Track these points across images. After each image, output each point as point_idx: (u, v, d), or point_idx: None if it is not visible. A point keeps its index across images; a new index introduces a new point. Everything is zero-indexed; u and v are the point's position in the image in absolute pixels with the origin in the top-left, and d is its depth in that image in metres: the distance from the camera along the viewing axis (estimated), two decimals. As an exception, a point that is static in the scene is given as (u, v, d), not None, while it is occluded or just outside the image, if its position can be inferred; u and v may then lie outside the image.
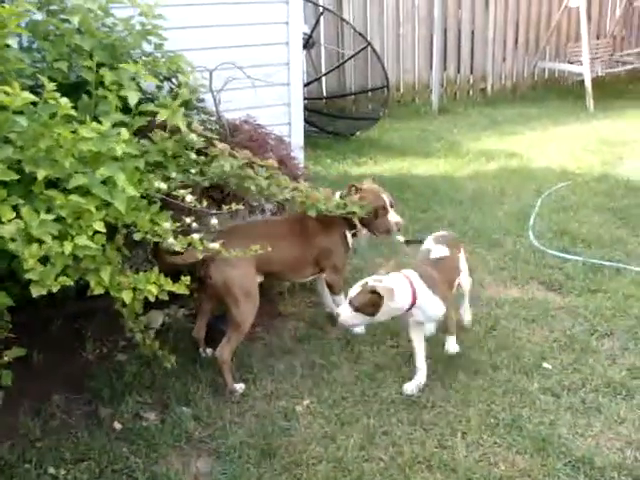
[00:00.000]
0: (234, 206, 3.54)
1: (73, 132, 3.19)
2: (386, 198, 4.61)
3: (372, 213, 4.51)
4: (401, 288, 3.94)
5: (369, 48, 10.25)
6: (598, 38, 12.91)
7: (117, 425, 3.78)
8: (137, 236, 3.32)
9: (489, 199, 7.26)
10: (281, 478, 3.44)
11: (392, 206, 4.64)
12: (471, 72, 12.36)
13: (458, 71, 12.26)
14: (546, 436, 3.68)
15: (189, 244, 3.37)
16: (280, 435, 3.72)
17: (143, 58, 4.26)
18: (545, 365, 4.31)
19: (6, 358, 3.46)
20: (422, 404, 3.96)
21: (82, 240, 3.07)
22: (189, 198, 3.47)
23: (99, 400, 3.94)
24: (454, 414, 3.88)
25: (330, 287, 4.70)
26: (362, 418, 3.86)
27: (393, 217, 4.63)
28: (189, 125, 3.86)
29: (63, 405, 3.92)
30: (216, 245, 3.44)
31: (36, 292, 3.04)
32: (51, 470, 3.48)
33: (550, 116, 11.05)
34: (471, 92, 12.43)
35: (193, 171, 3.73)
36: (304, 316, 4.90)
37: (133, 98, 3.64)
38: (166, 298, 3.37)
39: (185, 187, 3.59)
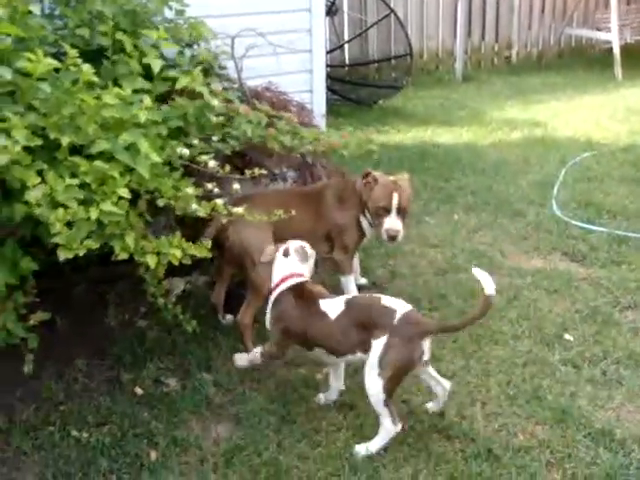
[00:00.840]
0: (257, 171, 3.53)
1: (96, 99, 3.19)
2: (395, 201, 4.24)
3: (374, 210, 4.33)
4: None
5: (392, 15, 10.15)
6: (629, 4, 12.65)
7: (138, 390, 3.83)
8: (161, 202, 3.32)
9: (512, 168, 7.20)
10: (300, 444, 3.47)
11: (400, 212, 4.27)
12: (496, 39, 12.21)
13: (483, 38, 12.10)
14: (566, 407, 3.67)
15: (213, 209, 3.38)
16: (300, 402, 3.75)
17: (165, 24, 4.25)
18: (566, 336, 4.29)
19: (32, 322, 3.49)
20: (442, 373, 3.94)
21: (107, 206, 3.08)
22: (212, 164, 3.47)
23: (121, 365, 3.99)
24: (474, 384, 3.89)
25: (337, 266, 4.61)
26: (381, 386, 3.87)
27: (390, 223, 4.28)
28: (209, 88, 3.84)
29: (86, 370, 3.97)
30: (240, 209, 3.44)
31: (63, 256, 3.05)
32: (74, 433, 3.53)
33: (576, 85, 10.91)
34: (495, 60, 12.28)
35: (215, 138, 3.72)
36: (326, 283, 4.87)
37: (156, 65, 3.63)
38: (189, 262, 3.38)
39: (207, 154, 3.59)
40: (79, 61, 3.30)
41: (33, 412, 3.66)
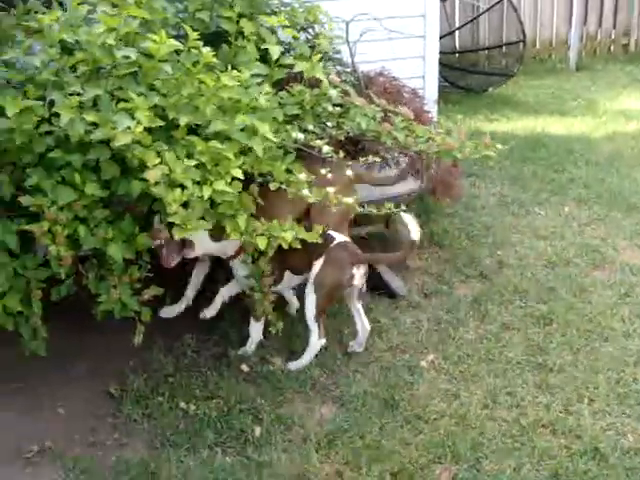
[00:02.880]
0: (370, 157, 3.54)
1: (215, 80, 3.25)
2: None
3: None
4: None
5: (505, 1, 9.94)
6: None
7: (245, 367, 3.91)
8: (272, 186, 3.38)
9: (627, 161, 6.95)
10: (403, 430, 3.48)
11: None
12: (613, 27, 11.75)
13: (600, 25, 11.69)
14: (680, 410, 3.56)
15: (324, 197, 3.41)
16: (403, 388, 3.75)
17: (281, 8, 4.29)
18: (682, 336, 4.15)
19: (146, 296, 3.61)
20: (549, 367, 3.90)
21: (220, 186, 3.16)
22: (326, 149, 3.49)
23: (227, 342, 4.08)
24: (581, 380, 3.80)
25: None
26: (486, 377, 3.84)
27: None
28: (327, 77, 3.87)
29: (194, 345, 4.08)
30: (350, 200, 3.46)
31: (178, 235, 3.15)
32: (182, 404, 3.65)
33: (700, 75, 10.44)
34: (612, 48, 11.84)
35: (329, 124, 3.74)
36: (432, 271, 4.89)
37: (275, 52, 3.68)
38: (299, 246, 3.42)
39: (321, 139, 3.62)
40: (199, 43, 3.38)
41: (144, 382, 3.78)
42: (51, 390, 3.80)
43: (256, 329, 4.01)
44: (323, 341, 3.93)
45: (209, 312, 4.04)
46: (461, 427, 3.48)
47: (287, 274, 3.98)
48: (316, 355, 3.96)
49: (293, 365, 3.90)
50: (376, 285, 4.58)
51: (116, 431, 3.53)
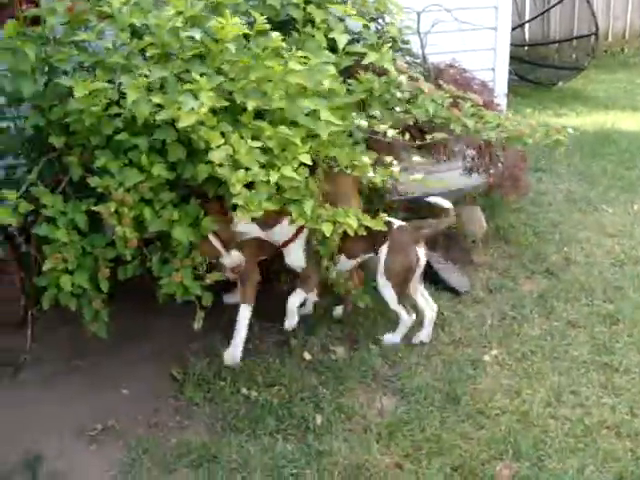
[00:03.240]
0: (437, 135, 3.50)
1: (283, 65, 3.25)
2: None
3: None
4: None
5: (578, -7, 9.76)
6: None
7: (307, 355, 3.92)
8: (337, 170, 3.37)
9: (703, 159, 6.76)
10: (464, 425, 3.43)
11: None
12: (691, 20, 11.42)
13: (676, 18, 11.36)
14: None
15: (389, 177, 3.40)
16: (466, 382, 3.71)
17: (352, -3, 4.27)
18: None
19: (207, 280, 3.64)
20: (614, 368, 3.81)
21: (287, 171, 3.16)
22: (390, 133, 3.47)
23: (290, 330, 4.08)
24: (649, 381, 3.71)
25: None
26: (550, 375, 3.77)
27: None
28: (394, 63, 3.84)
29: (257, 331, 4.09)
30: (419, 176, 3.43)
31: (241, 216, 3.16)
32: (244, 390, 3.67)
33: None
34: (689, 43, 11.51)
35: (398, 109, 3.72)
36: (497, 266, 4.82)
37: (342, 41, 3.66)
38: (364, 233, 3.40)
39: (386, 124, 3.60)
40: (267, 27, 3.38)
41: (206, 366, 3.82)
42: (115, 370, 3.85)
43: (294, 301, 3.92)
44: (413, 316, 4.01)
45: (289, 323, 3.93)
46: (523, 424, 3.42)
47: (342, 258, 3.94)
48: (379, 346, 3.97)
49: (387, 338, 4.01)
50: (438, 279, 4.54)
51: (178, 413, 3.57)
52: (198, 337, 3.85)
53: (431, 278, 4.52)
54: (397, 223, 3.95)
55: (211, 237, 3.70)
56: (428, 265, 4.49)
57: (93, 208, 3.37)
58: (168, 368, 3.82)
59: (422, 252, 3.96)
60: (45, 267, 3.41)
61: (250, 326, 3.98)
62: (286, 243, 3.85)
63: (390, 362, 3.88)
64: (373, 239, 3.81)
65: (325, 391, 3.65)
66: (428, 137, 3.62)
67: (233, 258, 3.78)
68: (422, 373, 3.78)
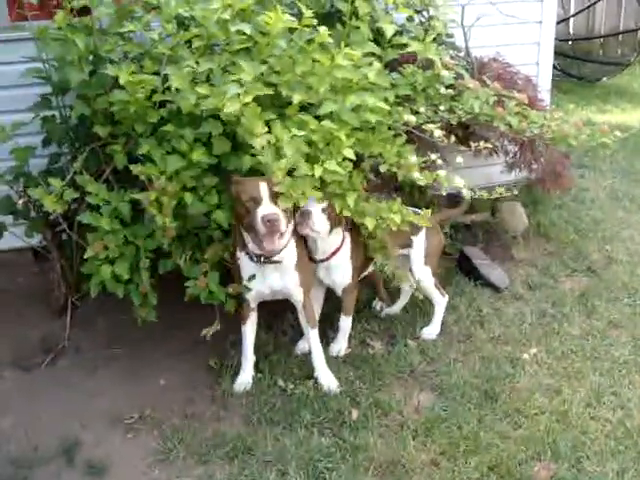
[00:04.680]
0: (482, 144, 3.47)
1: (330, 59, 3.23)
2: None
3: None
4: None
5: (625, -13, 9.59)
6: None
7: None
8: (383, 167, 3.35)
9: None
10: (502, 423, 3.40)
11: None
12: None
13: None
14: None
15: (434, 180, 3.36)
16: (504, 380, 3.67)
17: (397, -11, 4.23)
18: None
19: (230, 290, 3.61)
20: (647, 367, 3.76)
21: (331, 165, 3.14)
22: (437, 133, 3.44)
23: (328, 323, 4.07)
24: (691, 382, 3.65)
25: None
26: (590, 375, 3.72)
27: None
28: (440, 59, 3.80)
29: (294, 323, 4.06)
30: (462, 181, 3.40)
31: (282, 205, 3.15)
32: (280, 382, 3.67)
33: None
34: None
35: (442, 107, 3.68)
36: (537, 263, 4.77)
37: (389, 30, 3.63)
38: (407, 229, 3.37)
39: (432, 123, 3.57)
40: (314, 21, 3.36)
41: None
42: (153, 360, 3.88)
43: (347, 323, 3.92)
44: (446, 297, 4.08)
45: (335, 349, 3.91)
46: (562, 425, 3.38)
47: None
48: (417, 342, 3.95)
49: (426, 333, 4.04)
50: (478, 275, 4.50)
51: (214, 404, 3.59)
52: (236, 328, 3.84)
53: (471, 273, 4.48)
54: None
55: None
56: (468, 260, 4.48)
57: (134, 196, 3.38)
58: (206, 359, 3.84)
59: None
60: (87, 255, 3.44)
61: (287, 317, 4.03)
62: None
63: (428, 358, 3.86)
64: (410, 231, 3.75)
65: (362, 386, 3.64)
66: (472, 144, 3.58)
67: None
68: (460, 370, 3.75)
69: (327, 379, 3.64)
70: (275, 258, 3.41)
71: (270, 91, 3.16)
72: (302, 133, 3.13)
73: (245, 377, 3.71)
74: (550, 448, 3.24)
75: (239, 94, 3.06)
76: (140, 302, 3.60)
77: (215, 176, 3.45)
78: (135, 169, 3.35)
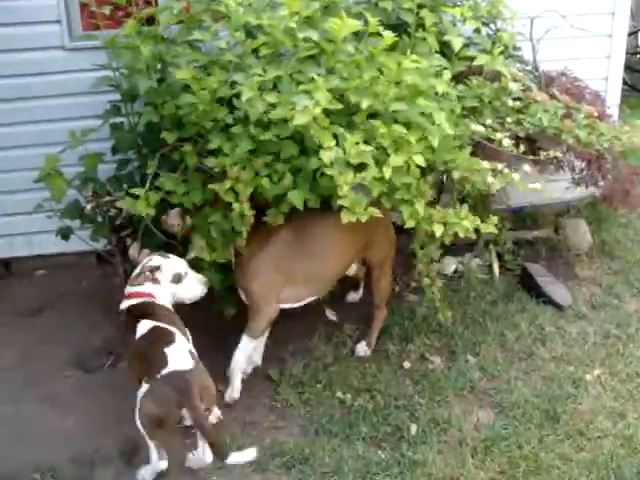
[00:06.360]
0: (552, 153, 3.42)
1: (397, 64, 3.22)
2: None
3: None
4: None
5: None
6: None
7: (406, 364, 3.88)
8: (456, 174, 3.32)
9: None
10: (563, 445, 3.33)
11: None
12: None
13: None
14: None
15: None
16: (566, 401, 3.60)
17: (464, 2, 4.21)
18: None
19: None
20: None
21: (397, 161, 3.11)
22: (506, 142, 3.40)
23: (387, 336, 4.05)
24: None
25: None
26: (657, 399, 3.63)
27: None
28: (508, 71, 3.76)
29: (354, 335, 4.08)
30: (537, 185, 3.35)
31: (346, 219, 3.14)
32: (339, 394, 3.66)
33: None
34: None
35: (509, 119, 3.64)
36: (601, 282, 4.66)
37: (457, 43, 3.61)
38: (474, 236, 3.35)
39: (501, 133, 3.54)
40: (380, 29, 3.35)
41: (302, 368, 3.82)
42: (214, 366, 3.86)
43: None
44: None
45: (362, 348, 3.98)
46: (627, 449, 3.30)
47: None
48: (477, 358, 3.91)
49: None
50: (540, 292, 4.43)
51: (272, 413, 3.59)
52: (296, 339, 3.86)
53: (533, 290, 4.42)
54: None
55: None
56: (531, 277, 4.41)
57: (211, 186, 3.39)
58: (265, 368, 3.84)
59: None
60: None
61: (347, 329, 4.02)
62: None
63: (488, 375, 3.81)
64: None
65: (421, 401, 3.61)
66: (542, 154, 3.53)
67: None
68: (521, 388, 3.69)
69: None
70: None
71: (339, 105, 3.15)
72: (370, 148, 3.11)
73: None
74: (614, 473, 3.17)
75: (307, 106, 3.06)
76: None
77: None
78: (209, 162, 3.38)
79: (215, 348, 3.68)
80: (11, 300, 4.51)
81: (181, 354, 3.05)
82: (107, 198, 3.84)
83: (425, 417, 3.49)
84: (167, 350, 3.03)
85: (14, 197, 4.59)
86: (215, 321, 3.88)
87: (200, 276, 3.49)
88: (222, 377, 3.66)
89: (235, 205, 3.32)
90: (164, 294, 3.36)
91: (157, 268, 3.36)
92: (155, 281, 3.35)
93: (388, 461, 3.24)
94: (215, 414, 3.32)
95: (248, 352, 3.66)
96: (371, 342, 3.98)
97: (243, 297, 3.67)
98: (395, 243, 3.96)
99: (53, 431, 3.49)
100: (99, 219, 3.94)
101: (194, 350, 3.16)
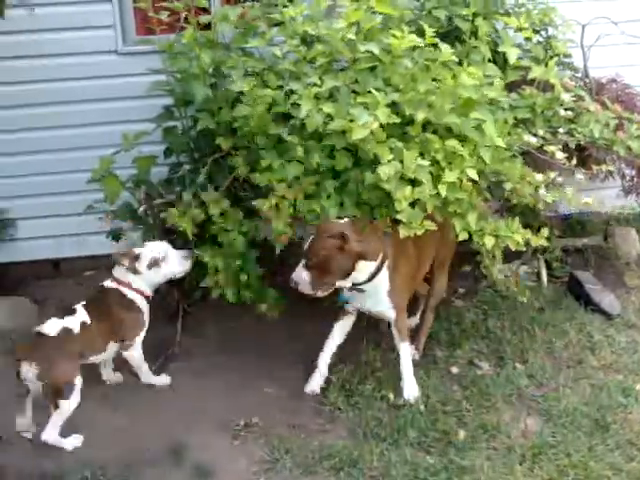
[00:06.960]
0: (604, 167, 3.42)
1: (453, 78, 3.24)
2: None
3: None
4: None
5: None
6: None
7: (454, 369, 3.89)
8: (507, 185, 3.33)
9: None
10: (613, 455, 3.31)
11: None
12: None
13: None
14: None
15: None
16: (616, 410, 3.58)
17: (515, 9, 4.21)
18: None
19: None
20: None
21: (452, 177, 3.15)
22: (559, 155, 3.40)
23: (435, 342, 4.06)
24: None
25: None
26: None
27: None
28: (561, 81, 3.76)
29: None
30: (589, 200, 3.35)
31: (403, 233, 3.16)
32: (389, 397, 3.67)
33: None
34: None
35: (561, 130, 3.64)
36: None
37: (512, 55, 3.62)
38: (524, 248, 3.34)
39: (552, 145, 3.53)
40: (437, 40, 3.37)
41: (350, 372, 3.84)
42: (261, 369, 3.94)
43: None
44: None
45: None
46: (680, 460, 3.28)
47: None
48: (525, 365, 3.89)
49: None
50: (589, 301, 4.41)
51: (320, 417, 3.61)
52: (345, 343, 3.87)
53: (581, 298, 4.40)
54: None
55: None
56: (580, 285, 4.39)
57: (253, 202, 3.46)
58: (312, 371, 3.85)
59: None
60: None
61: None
62: None
63: (537, 382, 3.80)
64: None
65: (469, 407, 3.61)
66: (595, 167, 3.53)
67: None
68: (569, 396, 3.68)
69: (410, 388, 3.66)
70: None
71: (397, 119, 3.17)
72: (427, 163, 3.13)
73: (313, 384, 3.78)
74: (666, 485, 3.15)
75: (367, 121, 3.09)
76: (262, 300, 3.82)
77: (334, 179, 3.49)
78: (256, 179, 3.43)
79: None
80: (58, 299, 4.57)
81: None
82: (159, 200, 3.92)
83: (473, 423, 3.50)
84: None
85: (64, 198, 4.69)
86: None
87: (182, 252, 3.72)
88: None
89: (274, 222, 3.37)
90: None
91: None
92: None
93: (436, 466, 3.25)
94: None
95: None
96: (419, 346, 4.00)
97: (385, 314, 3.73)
98: (455, 244, 3.98)
99: (104, 429, 3.54)
100: (150, 221, 4.01)
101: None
